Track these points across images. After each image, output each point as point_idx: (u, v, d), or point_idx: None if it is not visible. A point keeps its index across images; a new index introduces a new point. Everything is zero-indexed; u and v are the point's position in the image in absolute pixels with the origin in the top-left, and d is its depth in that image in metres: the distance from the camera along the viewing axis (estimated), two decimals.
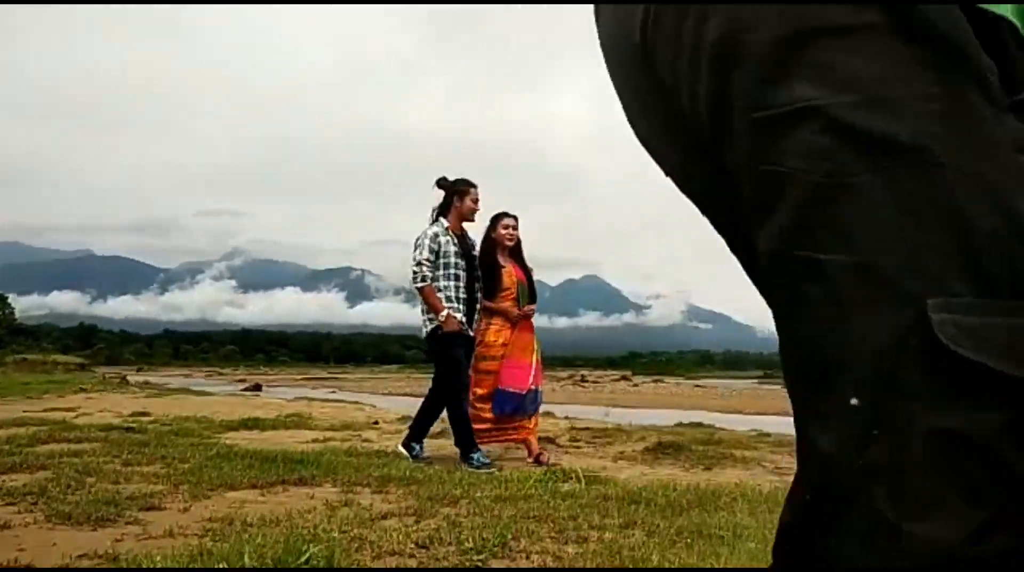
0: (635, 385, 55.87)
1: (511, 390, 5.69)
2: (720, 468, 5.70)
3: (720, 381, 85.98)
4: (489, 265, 5.75)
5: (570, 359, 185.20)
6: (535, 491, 3.87)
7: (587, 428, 8.89)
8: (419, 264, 5.42)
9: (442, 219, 5.61)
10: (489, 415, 5.63)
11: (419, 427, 5.74)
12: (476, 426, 5.50)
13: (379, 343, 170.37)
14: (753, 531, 3.03)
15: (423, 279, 5.40)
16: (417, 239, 5.54)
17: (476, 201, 5.67)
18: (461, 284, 5.50)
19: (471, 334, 5.53)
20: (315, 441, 6.92)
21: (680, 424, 11.00)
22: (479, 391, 5.65)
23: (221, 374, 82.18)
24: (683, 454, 6.08)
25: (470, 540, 2.80)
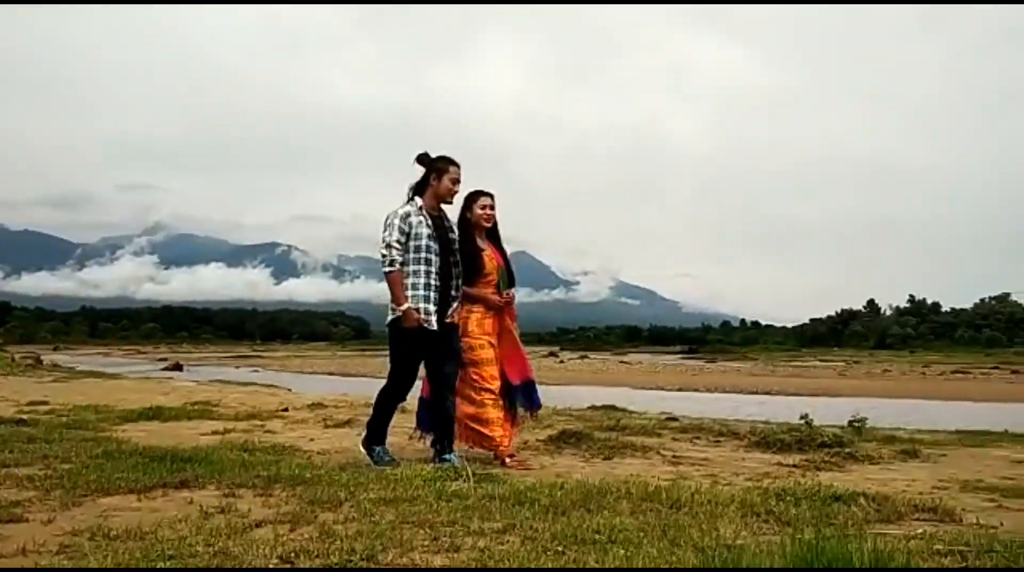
0: (561, 362, 56.44)
1: (533, 378, 5.57)
2: (620, 458, 5.75)
3: (646, 356, 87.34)
4: (467, 249, 5.32)
5: None
6: (421, 492, 3.82)
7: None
8: (388, 246, 4.98)
9: (417, 198, 5.17)
10: (501, 414, 5.32)
11: (376, 427, 5.21)
12: (489, 430, 5.23)
13: (306, 320, 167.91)
14: (629, 534, 3.03)
15: (391, 264, 4.97)
16: (386, 218, 5.07)
17: (456, 181, 5.20)
18: (433, 269, 5.05)
19: (434, 329, 5.02)
20: (214, 433, 6.78)
21: (592, 407, 11.09)
22: (494, 385, 5.31)
23: (142, 353, 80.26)
24: (585, 444, 6.10)
25: (338, 553, 2.74)
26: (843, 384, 33.52)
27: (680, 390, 29.81)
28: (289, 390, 14.42)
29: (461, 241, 5.30)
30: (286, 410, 9.05)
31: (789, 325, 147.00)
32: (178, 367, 45.31)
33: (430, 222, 5.09)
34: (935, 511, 3.70)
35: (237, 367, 52.57)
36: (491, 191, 5.53)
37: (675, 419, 8.64)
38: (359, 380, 37.36)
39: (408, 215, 5.05)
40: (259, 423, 7.75)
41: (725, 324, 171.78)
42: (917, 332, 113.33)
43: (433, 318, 5.02)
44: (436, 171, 5.16)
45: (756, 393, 28.06)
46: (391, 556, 2.75)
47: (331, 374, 43.07)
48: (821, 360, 69.09)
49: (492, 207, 5.48)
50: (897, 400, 25.16)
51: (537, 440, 6.36)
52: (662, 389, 30.14)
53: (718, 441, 6.68)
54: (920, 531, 3.20)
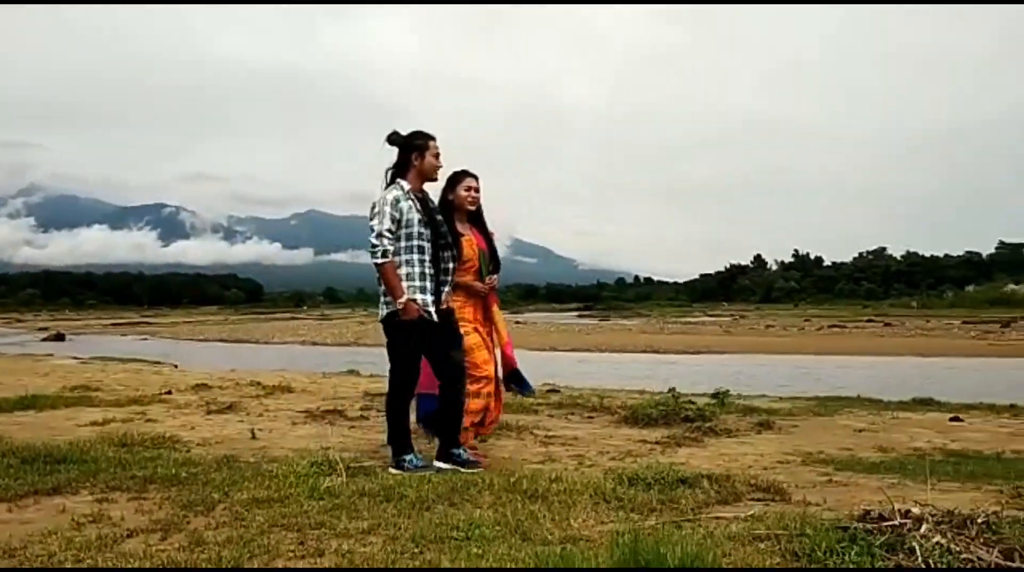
0: None
1: (517, 367, 5.44)
2: (495, 439, 6.01)
3: (542, 314, 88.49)
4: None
5: None
6: (294, 490, 3.97)
7: (383, 393, 9.02)
8: (379, 236, 4.69)
9: (400, 181, 4.86)
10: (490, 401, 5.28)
11: (398, 435, 4.94)
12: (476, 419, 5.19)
13: (196, 283, 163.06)
14: (486, 530, 3.26)
15: (383, 254, 4.69)
16: (374, 206, 4.80)
17: (438, 155, 4.94)
18: (427, 257, 4.81)
19: (435, 320, 4.82)
20: (93, 425, 6.71)
21: None
22: (488, 369, 5.25)
23: (21, 321, 76.77)
24: None
25: (205, 563, 2.88)
26: (728, 341, 34.94)
27: (573, 351, 30.49)
28: (175, 366, 14.21)
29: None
30: (169, 393, 9.01)
31: (681, 280, 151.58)
32: (60, 337, 43.67)
33: (419, 205, 4.85)
34: (769, 490, 4.08)
35: (124, 335, 50.99)
36: (475, 172, 5.35)
37: (556, 390, 8.97)
38: (251, 347, 36.91)
39: (398, 201, 4.77)
40: (140, 410, 7.70)
41: (620, 281, 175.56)
42: (801, 286, 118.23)
43: (432, 308, 4.81)
44: (417, 149, 4.90)
45: (646, 352, 28.97)
46: (256, 563, 2.91)
47: (222, 341, 42.31)
48: (710, 315, 71.50)
49: (477, 190, 5.30)
50: (777, 356, 26.43)
51: (414, 423, 6.55)
52: (555, 350, 30.75)
53: (591, 417, 7.04)
54: (751, 513, 3.54)
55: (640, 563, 2.36)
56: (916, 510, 3.21)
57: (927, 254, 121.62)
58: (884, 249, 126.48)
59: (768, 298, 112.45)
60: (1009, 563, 2.82)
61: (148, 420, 7.03)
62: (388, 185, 4.89)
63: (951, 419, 7.54)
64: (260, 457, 5.16)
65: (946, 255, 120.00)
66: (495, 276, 5.40)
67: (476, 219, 5.37)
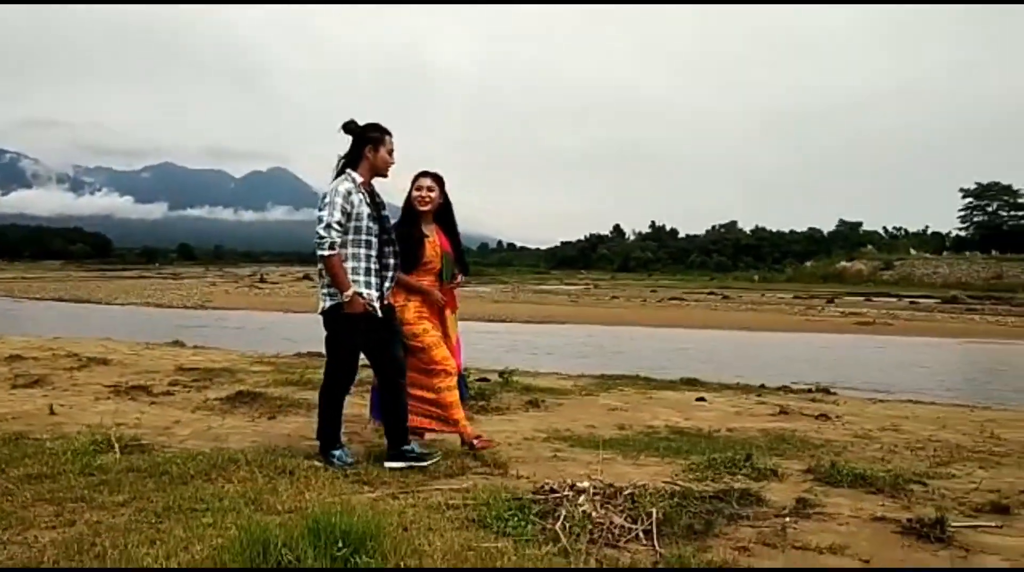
0: (313, 286, 55.50)
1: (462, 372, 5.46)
2: (283, 416, 6.53)
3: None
4: (410, 233, 5.17)
5: (257, 254, 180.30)
6: (68, 467, 4.37)
7: (197, 368, 9.36)
8: (327, 227, 4.63)
9: (352, 173, 4.81)
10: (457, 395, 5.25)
11: (328, 430, 4.86)
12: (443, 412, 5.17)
13: (38, 237, 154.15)
14: (228, 502, 3.79)
15: (331, 246, 4.63)
16: (325, 196, 4.73)
17: (391, 152, 4.88)
18: (373, 252, 4.81)
19: (379, 315, 4.80)
20: None
21: (298, 354, 11.74)
22: (450, 365, 5.21)
23: None
24: (258, 403, 6.83)
25: None
26: (571, 312, 36.33)
27: None
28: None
29: (404, 225, 5.19)
30: None
31: (543, 247, 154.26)
32: None
33: (368, 199, 4.83)
34: (493, 465, 4.80)
35: None
36: (436, 172, 5.34)
37: (507, 381, 8.80)
38: (90, 308, 35.66)
39: (349, 193, 4.72)
40: None
41: (483, 246, 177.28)
42: (656, 256, 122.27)
43: (377, 303, 4.79)
44: (371, 142, 4.84)
45: (492, 321, 29.84)
46: (8, 535, 3.36)
47: (60, 301, 40.64)
48: (566, 283, 73.43)
49: (431, 190, 5.23)
50: (611, 327, 27.84)
51: (217, 398, 7.02)
52: None
53: None
54: (464, 486, 4.24)
55: (318, 529, 2.98)
56: (584, 484, 4.00)
57: (774, 229, 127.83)
58: (735, 223, 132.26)
59: (625, 267, 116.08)
60: (633, 525, 3.63)
61: None
62: (337, 175, 4.84)
63: (697, 399, 8.50)
64: (51, 434, 5.48)
65: (791, 231, 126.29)
66: (459, 277, 5.41)
67: (444, 220, 5.36)
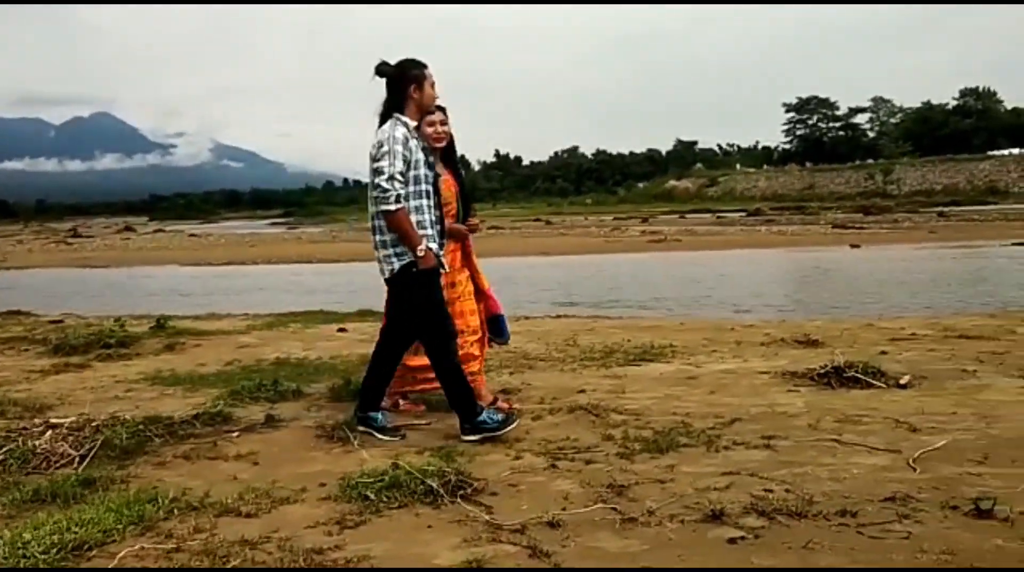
0: (127, 238, 52.37)
1: (502, 313, 5.16)
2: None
3: (235, 223, 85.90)
4: None
5: (86, 207, 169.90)
6: None
7: (16, 337, 9.15)
8: (390, 178, 4.15)
9: (400, 116, 4.31)
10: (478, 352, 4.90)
11: (464, 397, 4.30)
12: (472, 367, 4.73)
13: None
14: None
15: (396, 199, 4.15)
16: (380, 143, 4.23)
17: (434, 85, 4.42)
18: (434, 203, 4.37)
19: (446, 270, 4.48)
20: None
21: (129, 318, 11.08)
22: (473, 320, 4.87)
23: None
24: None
25: None
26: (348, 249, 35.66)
27: (268, 262, 30.53)
28: None
29: None
30: None
31: None
32: None
33: (423, 145, 4.40)
34: (44, 409, 5.17)
35: None
36: (443, 104, 4.74)
37: (162, 326, 8.87)
38: None
39: (407, 139, 4.26)
40: None
41: (328, 184, 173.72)
42: (502, 185, 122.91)
43: (443, 257, 4.44)
44: (414, 80, 4.35)
45: (299, 262, 29.74)
46: None
47: None
48: None
49: (443, 123, 4.71)
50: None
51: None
52: (211, 265, 30.67)
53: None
54: None
55: None
56: (62, 420, 4.40)
57: (615, 152, 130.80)
58: (577, 147, 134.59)
59: (472, 198, 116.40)
60: (75, 452, 4.06)
61: None
62: (390, 120, 4.31)
63: (339, 329, 8.71)
64: None
65: (631, 153, 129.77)
66: (474, 219, 5.05)
67: (448, 158, 4.91)
